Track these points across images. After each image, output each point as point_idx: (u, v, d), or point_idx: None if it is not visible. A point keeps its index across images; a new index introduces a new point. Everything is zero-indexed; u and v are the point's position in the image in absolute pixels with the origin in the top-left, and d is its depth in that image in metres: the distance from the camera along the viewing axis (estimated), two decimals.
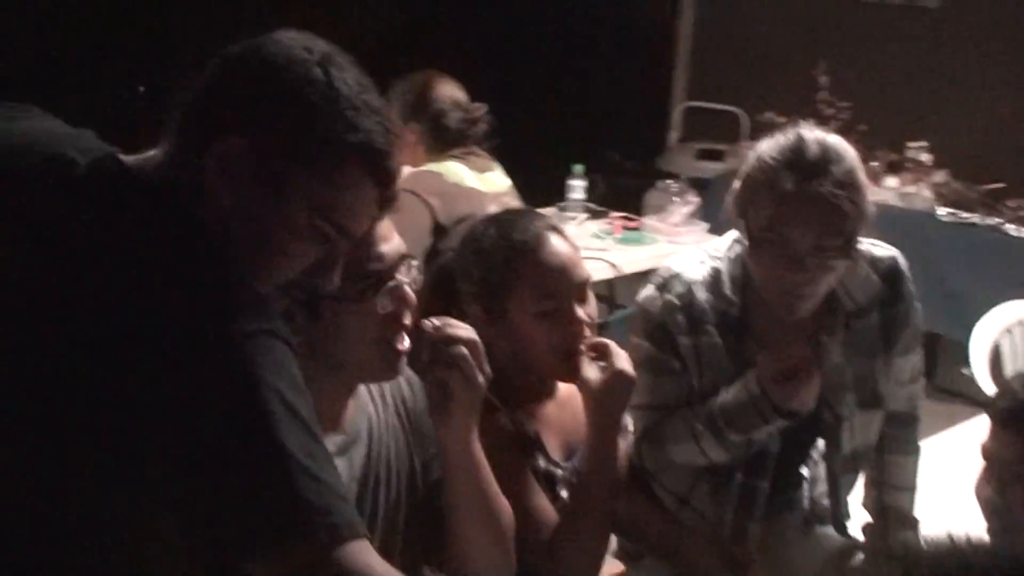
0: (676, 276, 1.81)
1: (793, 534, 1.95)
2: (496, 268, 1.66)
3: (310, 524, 1.09)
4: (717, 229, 4.60)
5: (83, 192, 1.16)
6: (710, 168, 5.47)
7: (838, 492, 1.90)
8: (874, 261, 1.85)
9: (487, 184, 3.01)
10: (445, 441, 1.45)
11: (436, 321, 1.42)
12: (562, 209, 4.19)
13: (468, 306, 1.70)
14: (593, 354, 1.65)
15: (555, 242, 1.67)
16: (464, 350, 1.40)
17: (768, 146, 1.70)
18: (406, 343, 1.40)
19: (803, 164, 1.63)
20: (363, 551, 1.13)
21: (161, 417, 1.06)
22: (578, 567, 1.67)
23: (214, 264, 1.13)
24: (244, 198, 1.13)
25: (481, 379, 1.42)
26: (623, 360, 1.64)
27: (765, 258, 1.68)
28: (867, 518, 1.95)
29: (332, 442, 1.39)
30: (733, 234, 1.82)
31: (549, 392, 1.78)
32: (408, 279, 1.40)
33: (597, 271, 3.73)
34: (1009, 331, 3.34)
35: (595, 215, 4.30)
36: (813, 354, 1.76)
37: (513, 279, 1.65)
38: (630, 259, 3.85)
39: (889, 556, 1.81)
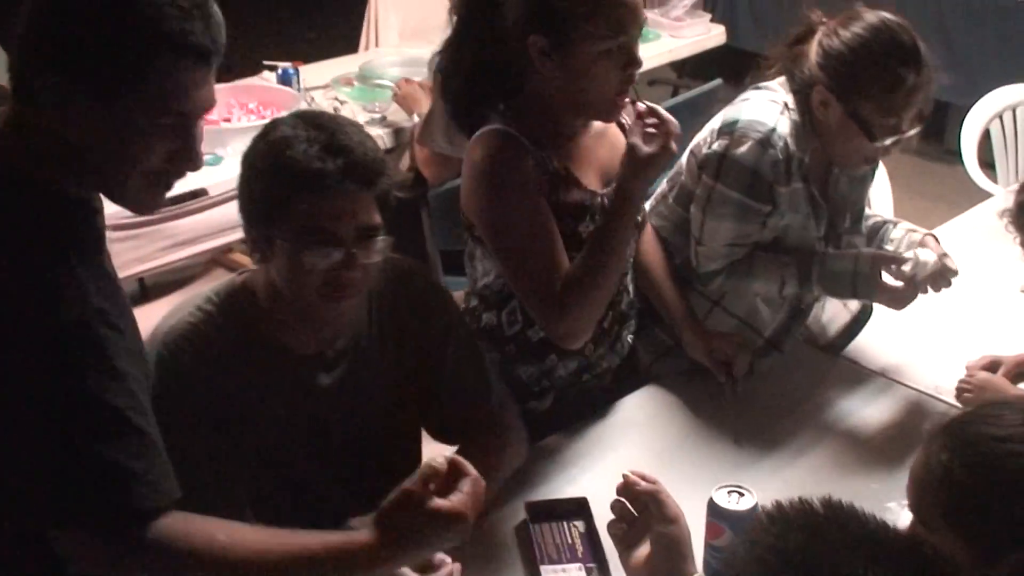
0: (773, 131, 1.92)
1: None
2: None
3: (123, 493, 1.13)
4: (720, 18, 4.62)
5: None
6: None
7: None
8: None
9: None
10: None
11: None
12: None
13: (525, 32, 1.68)
14: (648, 121, 1.71)
15: None
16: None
17: (862, 40, 1.86)
18: (345, 294, 1.51)
19: (915, 56, 1.85)
20: (181, 520, 1.18)
21: None
22: (582, 320, 1.78)
23: (30, 252, 1.15)
24: (87, 129, 1.16)
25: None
26: (675, 139, 1.71)
27: (870, 137, 1.89)
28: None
29: (322, 359, 1.60)
30: (779, 81, 2.01)
31: (584, 127, 1.84)
32: (366, 252, 1.47)
33: None
34: (999, 117, 3.50)
35: None
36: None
37: (589, 6, 1.65)
38: None
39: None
